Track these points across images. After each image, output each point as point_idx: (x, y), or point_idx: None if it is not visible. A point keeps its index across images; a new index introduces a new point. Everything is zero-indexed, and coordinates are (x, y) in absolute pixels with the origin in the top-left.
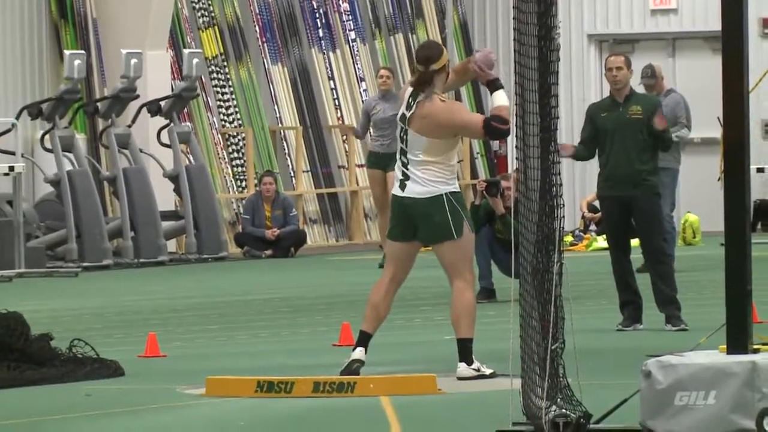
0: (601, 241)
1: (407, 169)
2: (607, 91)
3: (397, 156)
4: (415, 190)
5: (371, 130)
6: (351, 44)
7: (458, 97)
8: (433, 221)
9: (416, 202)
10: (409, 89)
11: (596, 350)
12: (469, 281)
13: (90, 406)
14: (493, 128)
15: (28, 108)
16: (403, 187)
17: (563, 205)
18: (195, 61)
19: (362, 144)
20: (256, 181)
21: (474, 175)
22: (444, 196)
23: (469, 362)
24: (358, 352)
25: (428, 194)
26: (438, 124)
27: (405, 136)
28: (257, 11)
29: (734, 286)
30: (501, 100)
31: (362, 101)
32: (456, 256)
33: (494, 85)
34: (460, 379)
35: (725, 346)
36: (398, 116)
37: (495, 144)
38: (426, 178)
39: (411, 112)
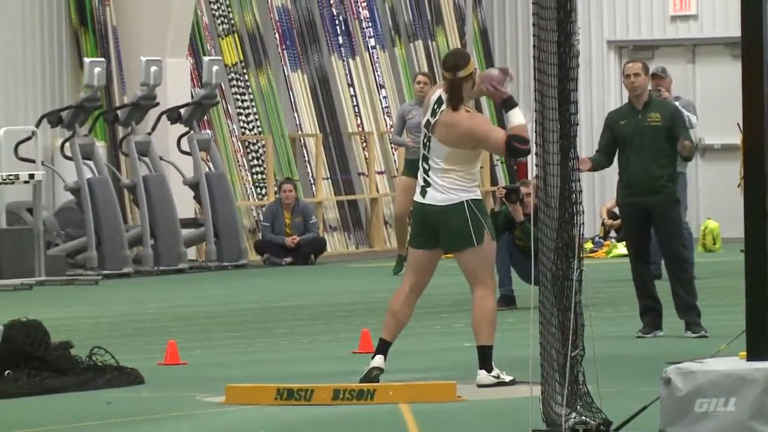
0: (622, 248)
1: (428, 176)
2: (627, 97)
3: (420, 162)
4: (435, 197)
5: (406, 135)
6: (371, 51)
7: (478, 108)
8: (453, 228)
9: (436, 209)
10: (435, 95)
11: (616, 357)
12: (490, 288)
13: (110, 414)
14: (515, 148)
15: (48, 116)
16: (423, 194)
17: (583, 211)
18: (215, 68)
19: (382, 152)
20: (275, 189)
21: (494, 181)
22: (465, 204)
23: (489, 369)
24: (378, 360)
25: (448, 201)
26: (460, 135)
27: (428, 143)
28: (277, 18)
29: (754, 293)
30: (518, 119)
31: (382, 108)
32: (477, 263)
33: (509, 104)
34: (480, 386)
35: (745, 353)
36: (423, 122)
37: None
38: (446, 186)
39: (435, 119)
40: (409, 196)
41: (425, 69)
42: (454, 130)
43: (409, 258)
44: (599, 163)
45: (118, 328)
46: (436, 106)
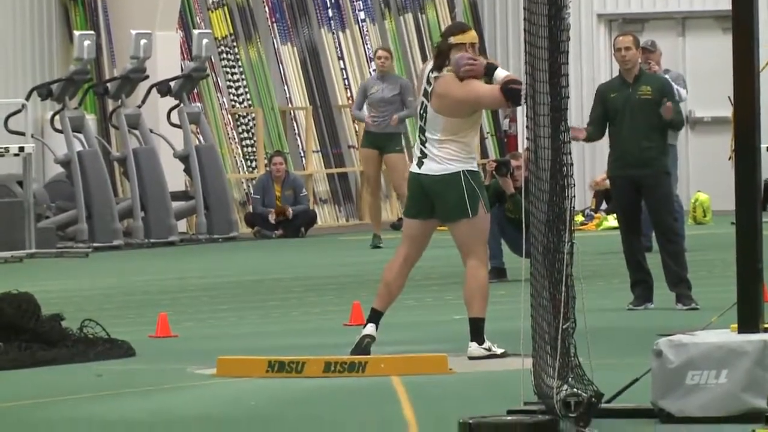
0: (612, 221)
1: (425, 147)
2: (617, 70)
3: (416, 134)
4: (431, 167)
5: (368, 109)
6: (360, 24)
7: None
8: (448, 199)
9: (432, 179)
10: (429, 66)
11: (607, 330)
12: (482, 260)
13: (101, 387)
14: (512, 90)
15: (38, 89)
16: (420, 164)
17: (574, 184)
18: (205, 41)
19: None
20: (266, 162)
21: (484, 154)
22: (461, 174)
23: (480, 342)
24: (369, 328)
25: (444, 171)
26: (456, 102)
27: (425, 114)
28: None
29: (745, 265)
30: (503, 73)
31: None
32: (471, 234)
33: (491, 69)
34: (471, 358)
35: (736, 326)
36: (422, 92)
37: (505, 123)
38: (443, 156)
39: (431, 88)
40: (372, 167)
41: (415, 43)
42: (449, 99)
43: (404, 228)
44: (591, 135)
45: (108, 301)
46: (430, 74)
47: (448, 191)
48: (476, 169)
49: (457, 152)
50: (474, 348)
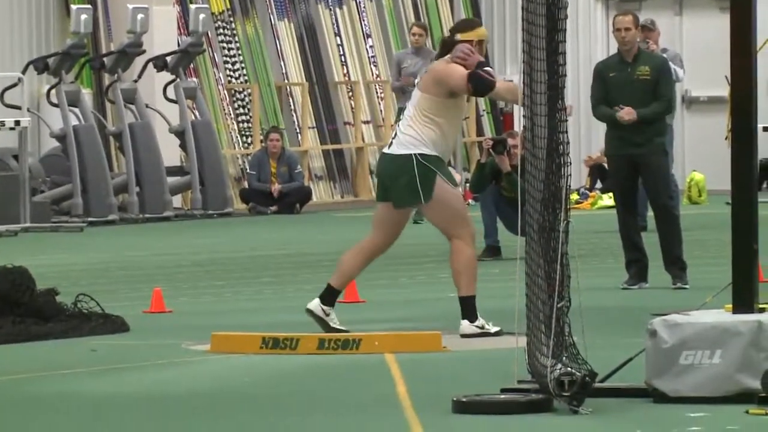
0: (607, 200)
1: (397, 127)
2: (614, 48)
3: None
4: (392, 148)
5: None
6: (357, 0)
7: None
8: (399, 182)
9: (387, 158)
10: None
11: (602, 309)
12: (465, 239)
13: (95, 362)
14: (475, 75)
15: (34, 62)
16: (389, 145)
17: (570, 163)
18: (201, 16)
19: (368, 101)
20: (261, 137)
21: (480, 132)
22: (414, 157)
23: (472, 319)
24: (314, 303)
25: (398, 152)
26: (433, 77)
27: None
28: None
29: (741, 245)
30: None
31: (369, 57)
32: (443, 218)
33: (482, 65)
34: (464, 336)
35: (731, 306)
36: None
37: (501, 102)
38: (405, 136)
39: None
40: None
41: (412, 18)
42: (429, 74)
43: (374, 213)
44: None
45: (103, 276)
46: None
47: (399, 175)
48: (433, 153)
49: (418, 135)
50: (465, 325)
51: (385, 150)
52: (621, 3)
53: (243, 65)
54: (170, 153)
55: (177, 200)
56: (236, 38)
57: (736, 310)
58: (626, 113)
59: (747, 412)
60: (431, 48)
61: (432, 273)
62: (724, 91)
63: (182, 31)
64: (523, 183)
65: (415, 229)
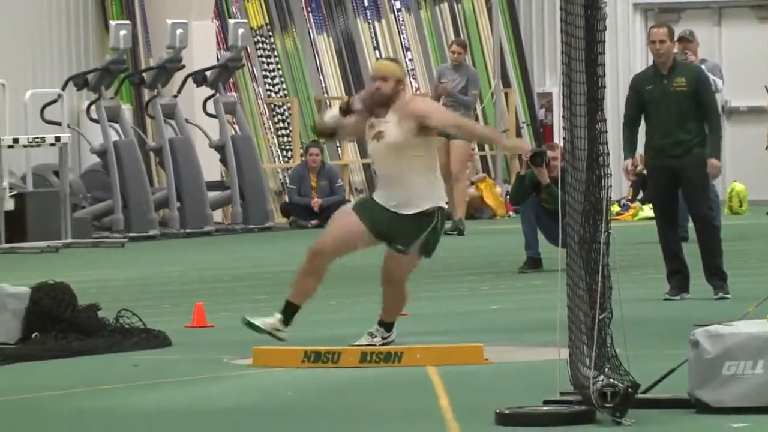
0: (648, 210)
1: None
2: (652, 59)
3: None
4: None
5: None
6: (396, 14)
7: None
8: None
9: None
10: None
11: (644, 320)
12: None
13: (137, 377)
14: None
15: (74, 79)
16: None
17: (610, 174)
18: (240, 31)
19: None
20: (301, 152)
21: None
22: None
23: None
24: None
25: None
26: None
27: None
28: None
29: None
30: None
31: (408, 71)
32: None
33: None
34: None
35: None
36: None
37: (541, 113)
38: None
39: None
40: (444, 155)
41: (450, 30)
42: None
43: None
44: (633, 139)
45: (144, 291)
46: None
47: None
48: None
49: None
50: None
51: None
52: (660, 14)
53: (282, 79)
54: (210, 168)
55: (218, 215)
56: (275, 52)
57: None
58: (713, 168)
59: None
60: (470, 65)
61: (473, 285)
62: (764, 101)
63: (221, 45)
64: (563, 195)
65: (453, 240)
